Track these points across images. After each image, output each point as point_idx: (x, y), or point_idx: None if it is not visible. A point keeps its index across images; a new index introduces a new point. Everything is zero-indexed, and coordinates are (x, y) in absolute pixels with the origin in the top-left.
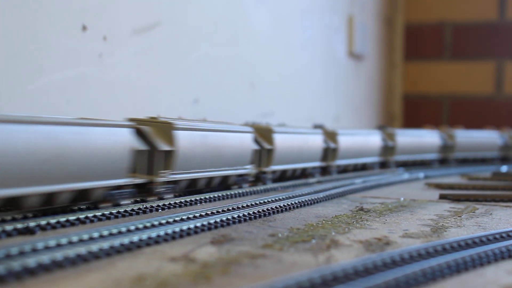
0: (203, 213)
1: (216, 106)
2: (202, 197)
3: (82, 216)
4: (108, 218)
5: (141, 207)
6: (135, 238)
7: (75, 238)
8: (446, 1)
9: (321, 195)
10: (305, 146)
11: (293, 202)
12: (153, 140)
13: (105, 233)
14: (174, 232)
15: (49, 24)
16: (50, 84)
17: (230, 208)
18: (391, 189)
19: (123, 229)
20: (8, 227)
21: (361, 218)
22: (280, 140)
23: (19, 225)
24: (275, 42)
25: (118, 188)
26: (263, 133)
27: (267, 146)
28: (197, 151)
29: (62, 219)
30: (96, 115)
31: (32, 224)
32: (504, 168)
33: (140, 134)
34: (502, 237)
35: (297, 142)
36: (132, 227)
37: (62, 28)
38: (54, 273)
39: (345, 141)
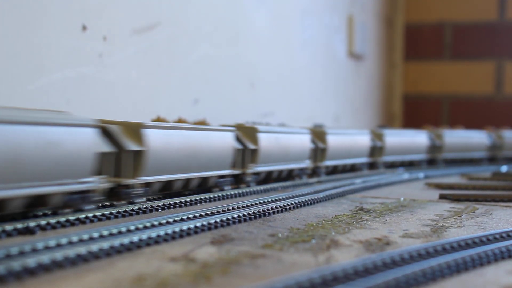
0: (203, 213)
1: (216, 106)
2: (202, 197)
3: (82, 216)
4: (108, 218)
5: (141, 207)
6: (135, 238)
7: (75, 238)
8: (446, 1)
9: (321, 195)
10: (354, 144)
11: (293, 202)
12: (244, 141)
13: (105, 233)
14: (174, 232)
15: (49, 24)
16: (50, 84)
17: (230, 208)
18: (391, 189)
19: (123, 229)
20: (8, 227)
21: (361, 218)
22: (332, 140)
23: (19, 225)
24: (275, 42)
25: (222, 177)
26: (318, 134)
27: (321, 145)
28: (273, 149)
29: (62, 219)
30: (96, 115)
31: (32, 224)
32: (504, 168)
33: (236, 137)
34: (502, 237)
35: (347, 141)
36: (132, 227)
37: (62, 28)
38: (54, 273)
39: (391, 140)
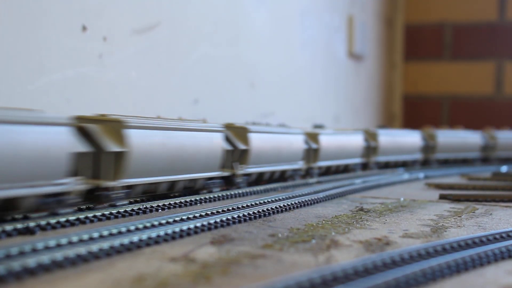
0: (203, 213)
1: (216, 106)
2: (202, 197)
3: (82, 216)
4: (108, 218)
5: (140, 207)
6: (135, 238)
7: (75, 238)
8: (446, 2)
9: (321, 195)
10: (405, 143)
11: (293, 202)
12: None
13: (105, 233)
14: (174, 232)
15: (49, 24)
16: (50, 84)
17: (230, 208)
18: (391, 189)
19: (123, 229)
20: (8, 227)
21: (361, 218)
22: (383, 139)
23: (19, 225)
24: (275, 42)
25: (295, 171)
26: (371, 135)
27: (373, 144)
28: (331, 148)
29: (62, 219)
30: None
31: (32, 224)
32: (504, 168)
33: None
34: (502, 237)
35: (398, 140)
36: (132, 227)
37: (62, 29)
38: (54, 273)
39: (443, 139)
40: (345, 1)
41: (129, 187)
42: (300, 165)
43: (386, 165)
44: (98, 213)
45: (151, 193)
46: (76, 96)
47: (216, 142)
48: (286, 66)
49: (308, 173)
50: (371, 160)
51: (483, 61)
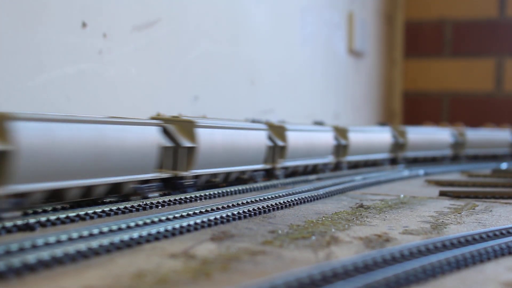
0: (203, 210)
1: (216, 103)
2: (202, 194)
3: (82, 213)
4: (108, 214)
5: (140, 203)
6: (135, 234)
7: (75, 235)
8: None
9: (321, 192)
10: (375, 140)
11: (293, 199)
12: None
13: (105, 229)
14: (174, 228)
15: (49, 21)
16: (50, 81)
17: (230, 204)
18: (391, 186)
19: (123, 226)
20: (8, 224)
21: (361, 215)
22: (354, 136)
23: (19, 222)
24: (275, 39)
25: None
26: (340, 131)
27: (343, 142)
28: (299, 145)
29: (62, 215)
30: (95, 112)
31: (32, 220)
32: (504, 165)
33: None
34: (502, 233)
35: (369, 137)
36: (132, 224)
37: (62, 25)
38: (54, 269)
39: (413, 136)
40: None
41: (21, 195)
42: (263, 165)
43: (356, 165)
44: (98, 210)
45: (58, 200)
46: (76, 93)
47: (150, 138)
48: (286, 63)
49: (272, 174)
50: (342, 160)
51: (483, 58)
